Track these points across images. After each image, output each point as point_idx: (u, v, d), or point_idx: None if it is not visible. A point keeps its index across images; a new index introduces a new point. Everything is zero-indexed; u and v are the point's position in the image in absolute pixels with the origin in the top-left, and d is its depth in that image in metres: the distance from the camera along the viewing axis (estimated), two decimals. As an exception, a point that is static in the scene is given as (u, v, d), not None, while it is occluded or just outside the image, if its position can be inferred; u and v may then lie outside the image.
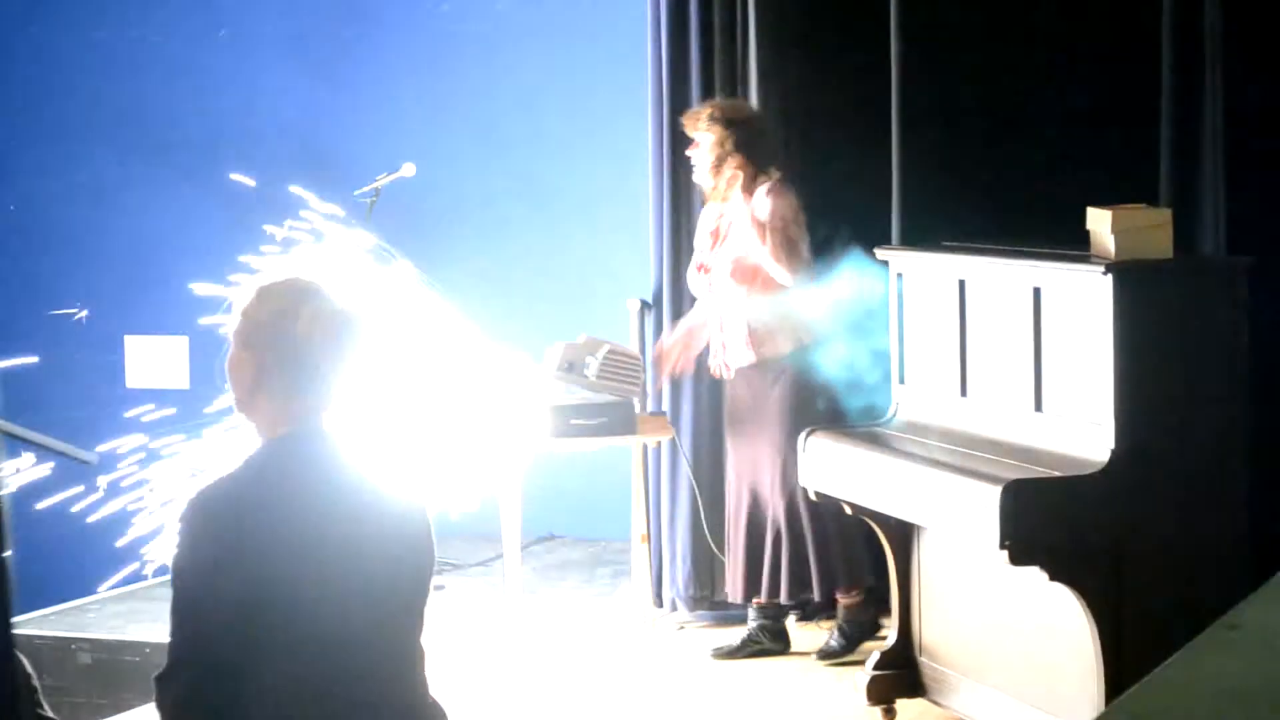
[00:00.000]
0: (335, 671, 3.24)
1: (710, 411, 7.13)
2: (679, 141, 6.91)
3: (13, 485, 6.06)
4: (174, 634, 3.20)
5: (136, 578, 7.27)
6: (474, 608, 7.39)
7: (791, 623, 6.91)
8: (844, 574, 6.58)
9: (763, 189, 6.51)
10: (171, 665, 3.19)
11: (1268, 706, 2.16)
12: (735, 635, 6.81)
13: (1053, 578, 5.00)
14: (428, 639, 3.45)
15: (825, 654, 6.65)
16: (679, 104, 7.09)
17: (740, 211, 6.54)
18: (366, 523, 3.28)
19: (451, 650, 6.47)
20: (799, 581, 6.55)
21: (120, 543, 6.98)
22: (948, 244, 6.00)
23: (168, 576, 3.39)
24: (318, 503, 3.25)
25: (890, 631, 5.94)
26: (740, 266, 6.54)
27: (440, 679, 3.57)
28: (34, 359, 6.96)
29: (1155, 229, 5.20)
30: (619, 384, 6.62)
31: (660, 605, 7.20)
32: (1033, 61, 6.85)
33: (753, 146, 6.56)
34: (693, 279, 6.78)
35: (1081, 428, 5.09)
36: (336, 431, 3.32)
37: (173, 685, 3.18)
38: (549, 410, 6.61)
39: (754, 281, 6.53)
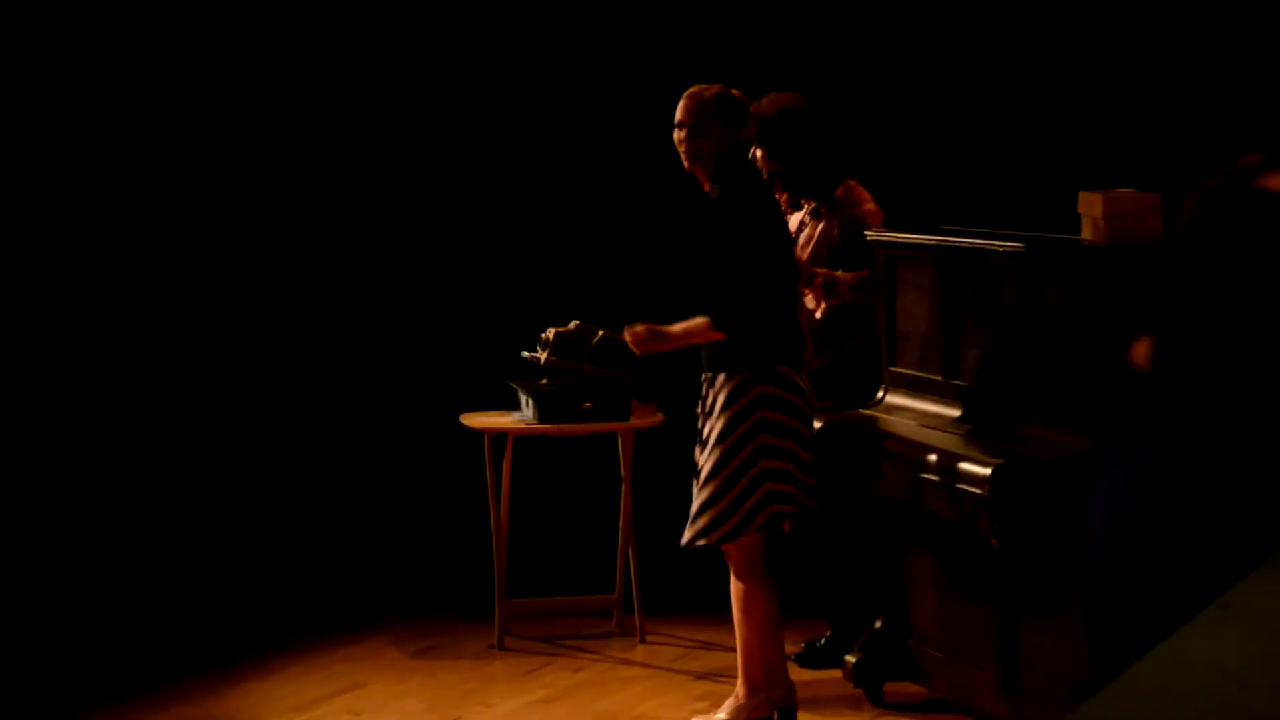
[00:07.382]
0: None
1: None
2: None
3: None
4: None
5: None
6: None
7: None
8: None
9: None
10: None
11: (1261, 684, 2.17)
12: None
13: (1041, 560, 5.00)
14: None
15: None
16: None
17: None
18: None
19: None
20: None
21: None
22: (939, 227, 6.00)
23: None
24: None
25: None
26: None
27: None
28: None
29: (1145, 213, 5.19)
30: (611, 369, 6.60)
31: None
32: (1023, 43, 6.84)
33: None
34: None
35: (1071, 412, 5.08)
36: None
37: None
38: (540, 394, 6.60)
39: None
